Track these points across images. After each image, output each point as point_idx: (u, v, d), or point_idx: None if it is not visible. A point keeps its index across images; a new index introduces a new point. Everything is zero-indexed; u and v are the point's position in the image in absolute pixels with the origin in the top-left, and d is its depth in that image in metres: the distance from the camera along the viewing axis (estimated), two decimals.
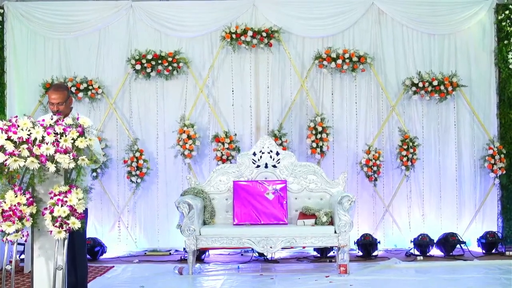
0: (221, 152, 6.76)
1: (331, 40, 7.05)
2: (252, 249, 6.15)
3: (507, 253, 6.51)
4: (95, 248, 6.51)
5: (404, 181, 6.98)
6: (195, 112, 7.01)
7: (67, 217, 3.47)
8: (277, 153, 6.31)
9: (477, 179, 7.06)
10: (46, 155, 3.43)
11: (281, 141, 6.78)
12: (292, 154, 6.36)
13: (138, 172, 6.78)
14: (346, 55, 6.86)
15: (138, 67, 6.86)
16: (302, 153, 6.97)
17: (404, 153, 6.84)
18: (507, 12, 7.01)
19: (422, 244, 6.54)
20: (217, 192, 6.25)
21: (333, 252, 6.35)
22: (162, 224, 6.96)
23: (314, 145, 6.81)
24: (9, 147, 3.42)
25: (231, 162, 6.69)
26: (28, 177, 3.62)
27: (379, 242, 6.61)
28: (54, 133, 3.46)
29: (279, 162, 6.28)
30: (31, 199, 3.54)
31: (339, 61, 6.84)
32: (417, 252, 6.50)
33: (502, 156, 6.88)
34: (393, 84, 7.07)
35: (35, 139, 3.46)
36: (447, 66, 7.05)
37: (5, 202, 3.47)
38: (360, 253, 6.55)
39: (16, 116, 3.55)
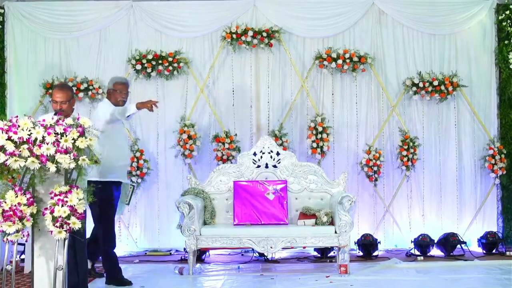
0: (222, 152, 6.76)
1: (331, 40, 7.05)
2: (253, 249, 6.15)
3: (507, 253, 6.51)
4: None
5: (405, 181, 6.99)
6: (196, 112, 7.01)
7: (68, 217, 3.48)
8: (278, 153, 6.30)
9: (477, 179, 7.05)
10: (47, 155, 3.43)
11: (282, 141, 6.78)
12: (292, 154, 6.36)
13: (138, 172, 6.79)
14: (347, 55, 6.86)
15: (138, 67, 6.86)
16: (303, 153, 6.97)
17: (404, 153, 6.84)
18: (507, 12, 7.01)
19: (423, 244, 6.53)
20: (217, 192, 6.25)
21: (334, 252, 6.35)
22: (162, 224, 6.96)
23: (315, 145, 6.81)
24: (10, 147, 3.42)
25: (231, 162, 6.69)
26: (29, 177, 3.62)
27: (380, 242, 6.61)
28: (54, 133, 3.46)
29: (279, 162, 6.28)
30: (31, 199, 3.55)
31: (340, 61, 6.84)
32: (417, 252, 6.50)
33: (503, 156, 6.88)
34: (393, 84, 7.07)
35: (36, 139, 3.46)
36: (448, 66, 7.05)
37: (5, 202, 3.48)
38: (361, 253, 6.55)
39: (17, 116, 3.55)
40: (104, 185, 5.12)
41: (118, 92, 5.38)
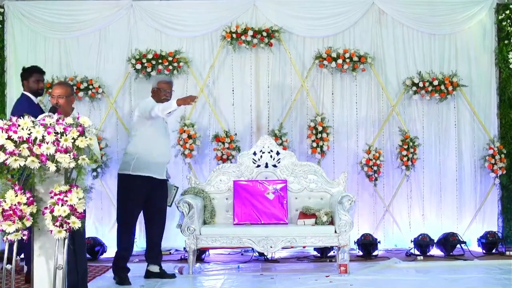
0: (222, 152, 6.76)
1: (331, 40, 7.05)
2: (252, 249, 6.15)
3: (507, 253, 6.51)
4: (95, 248, 6.51)
5: (404, 181, 6.99)
6: (196, 111, 7.01)
7: (68, 216, 3.48)
8: (278, 153, 6.30)
9: (477, 179, 7.05)
10: (47, 155, 3.43)
11: (282, 141, 6.78)
12: (292, 154, 6.35)
13: None
14: (347, 55, 6.86)
15: (138, 66, 6.86)
16: (303, 153, 6.97)
17: (404, 153, 6.84)
18: (507, 12, 7.01)
19: (422, 244, 6.54)
20: (217, 191, 6.24)
21: (333, 252, 6.35)
22: None
23: (315, 144, 6.81)
24: (10, 146, 3.42)
25: (231, 162, 6.69)
26: (26, 175, 3.62)
27: (379, 242, 6.61)
28: (54, 132, 3.46)
29: (279, 162, 6.28)
30: (31, 198, 3.55)
31: (340, 61, 6.84)
32: (417, 252, 6.50)
33: (503, 156, 6.88)
34: (393, 84, 7.08)
35: (36, 138, 3.46)
36: (448, 66, 7.05)
37: (5, 202, 3.47)
38: (360, 253, 6.55)
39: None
40: (131, 179, 5.28)
41: (162, 91, 5.44)
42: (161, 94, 5.43)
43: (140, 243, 6.95)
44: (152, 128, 5.33)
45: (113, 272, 5.38)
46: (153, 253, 5.56)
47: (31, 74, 5.42)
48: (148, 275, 5.50)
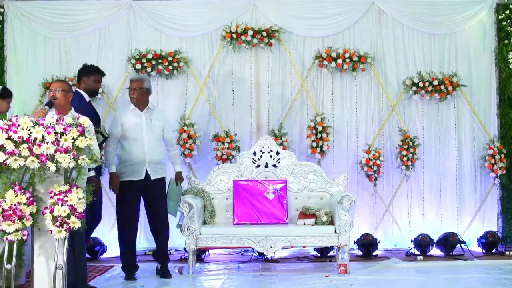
0: (221, 152, 6.76)
1: (331, 39, 7.05)
2: (252, 249, 6.15)
3: (507, 253, 6.51)
4: (95, 248, 6.51)
5: (404, 181, 6.99)
6: (195, 111, 7.01)
7: (67, 216, 3.48)
8: (277, 153, 6.30)
9: (477, 179, 7.05)
10: (47, 155, 3.43)
11: (281, 141, 6.78)
12: (292, 154, 6.35)
13: None
14: (347, 55, 6.86)
15: (138, 66, 6.86)
16: (302, 153, 6.97)
17: (404, 152, 6.84)
18: (507, 12, 7.01)
19: (422, 243, 6.53)
20: (217, 191, 6.24)
21: (333, 252, 6.35)
22: None
23: (314, 144, 6.81)
24: (9, 146, 3.42)
25: (231, 162, 6.69)
26: (29, 177, 3.63)
27: (379, 242, 6.61)
28: (54, 132, 3.47)
29: (279, 162, 6.28)
30: (31, 198, 3.55)
31: (340, 61, 6.84)
32: (417, 252, 6.50)
33: (502, 156, 6.88)
34: (393, 84, 7.07)
35: (35, 138, 3.47)
36: (448, 65, 7.05)
37: (5, 202, 3.48)
38: (360, 253, 6.55)
39: (16, 116, 3.56)
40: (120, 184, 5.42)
41: (129, 90, 5.51)
42: (129, 93, 5.51)
43: (140, 243, 6.95)
44: (123, 131, 5.41)
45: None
46: (159, 253, 5.67)
47: (92, 72, 5.43)
48: (157, 272, 5.66)
